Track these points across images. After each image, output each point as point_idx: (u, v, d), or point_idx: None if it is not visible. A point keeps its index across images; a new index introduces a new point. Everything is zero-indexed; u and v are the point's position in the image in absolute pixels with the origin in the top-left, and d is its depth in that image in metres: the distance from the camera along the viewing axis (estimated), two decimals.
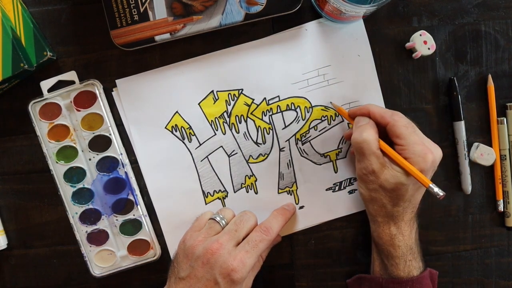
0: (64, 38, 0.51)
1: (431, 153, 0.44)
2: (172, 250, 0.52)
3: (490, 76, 0.53)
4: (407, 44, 0.52)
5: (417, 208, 0.48)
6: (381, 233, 0.48)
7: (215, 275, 0.43)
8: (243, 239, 0.47)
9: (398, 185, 0.44)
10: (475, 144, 0.53)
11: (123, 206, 0.52)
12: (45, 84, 0.51)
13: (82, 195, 0.52)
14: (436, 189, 0.43)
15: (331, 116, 0.53)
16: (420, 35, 0.51)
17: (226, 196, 0.53)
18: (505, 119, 0.53)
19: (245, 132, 0.52)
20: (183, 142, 0.52)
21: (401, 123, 0.45)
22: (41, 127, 0.51)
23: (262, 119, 0.52)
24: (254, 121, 0.52)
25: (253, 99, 0.52)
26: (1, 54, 0.47)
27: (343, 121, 0.53)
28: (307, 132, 0.53)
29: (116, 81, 0.51)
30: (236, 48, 0.51)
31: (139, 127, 0.52)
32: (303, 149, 0.53)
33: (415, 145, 0.44)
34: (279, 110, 0.52)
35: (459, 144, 0.53)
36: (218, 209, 0.51)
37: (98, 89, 0.51)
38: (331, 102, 0.52)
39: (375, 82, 0.52)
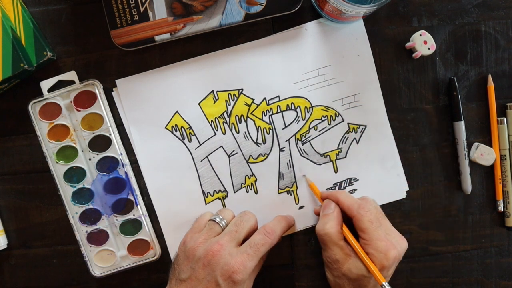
0: (64, 38, 0.51)
1: (394, 249, 0.45)
2: (172, 250, 0.52)
3: (490, 76, 0.53)
4: (407, 44, 0.52)
5: None
6: None
7: (216, 276, 0.43)
8: (244, 239, 0.47)
9: (361, 276, 0.45)
10: (475, 144, 0.53)
11: (123, 206, 0.52)
12: (45, 84, 0.51)
13: (82, 195, 0.52)
14: None
15: (331, 116, 0.53)
16: (420, 35, 0.51)
17: (226, 196, 0.53)
18: (505, 119, 0.53)
19: (245, 132, 0.52)
20: (183, 142, 0.52)
21: (366, 217, 0.46)
22: (41, 127, 0.51)
23: (262, 119, 0.52)
24: (254, 121, 0.52)
25: (253, 99, 0.52)
26: (1, 54, 0.47)
27: (343, 121, 0.53)
28: (307, 132, 0.53)
29: (116, 81, 0.51)
30: (236, 48, 0.51)
31: (139, 127, 0.52)
32: (303, 149, 0.53)
33: (378, 241, 0.45)
34: (279, 110, 0.52)
35: (459, 144, 0.53)
36: (218, 209, 0.51)
37: (98, 89, 0.51)
38: (304, 176, 0.53)
39: (375, 82, 0.52)
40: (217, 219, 0.48)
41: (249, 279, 0.46)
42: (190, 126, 0.52)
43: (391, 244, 0.45)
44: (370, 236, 0.45)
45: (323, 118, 0.53)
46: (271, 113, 0.52)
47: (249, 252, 0.45)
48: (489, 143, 0.54)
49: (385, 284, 0.44)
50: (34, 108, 0.51)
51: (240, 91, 0.52)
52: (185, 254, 0.46)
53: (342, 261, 0.46)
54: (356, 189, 0.53)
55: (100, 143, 0.52)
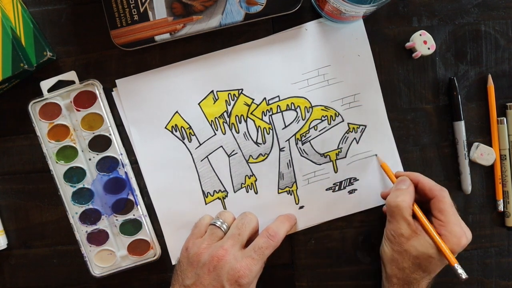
0: (64, 38, 0.51)
1: (465, 237, 0.46)
2: (172, 250, 0.52)
3: (490, 76, 0.53)
4: (407, 44, 0.52)
5: (433, 278, 0.48)
6: None
7: (222, 281, 0.44)
8: (247, 241, 0.47)
9: (425, 255, 0.45)
10: (475, 144, 0.53)
11: (123, 206, 0.52)
12: (45, 84, 0.51)
13: (82, 195, 0.52)
14: (460, 270, 0.44)
15: (331, 116, 0.53)
16: (420, 35, 0.51)
17: (226, 196, 0.53)
18: (505, 119, 0.53)
19: (245, 132, 0.52)
20: (183, 142, 0.52)
21: (448, 200, 0.47)
22: (41, 127, 0.51)
23: (262, 119, 0.52)
24: (254, 121, 0.52)
25: (253, 99, 0.52)
26: (1, 54, 0.47)
27: (343, 121, 0.53)
28: (307, 132, 0.53)
29: (116, 81, 0.51)
30: (236, 48, 0.51)
31: (139, 127, 0.52)
32: (303, 149, 0.53)
33: (454, 226, 0.45)
34: (279, 110, 0.52)
35: (459, 144, 0.53)
36: (217, 212, 0.51)
37: (98, 89, 0.51)
38: (376, 155, 0.52)
39: (375, 82, 0.52)
40: (218, 223, 0.48)
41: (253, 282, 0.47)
42: (190, 126, 0.52)
43: (464, 232, 0.46)
44: (448, 218, 0.45)
45: (323, 118, 0.53)
46: (271, 113, 0.52)
47: (254, 257, 0.45)
48: (489, 143, 0.54)
49: (457, 265, 0.44)
50: (34, 108, 0.51)
51: (240, 91, 0.52)
52: (188, 260, 0.46)
53: (407, 236, 0.46)
54: (356, 189, 0.53)
55: (100, 143, 0.52)
